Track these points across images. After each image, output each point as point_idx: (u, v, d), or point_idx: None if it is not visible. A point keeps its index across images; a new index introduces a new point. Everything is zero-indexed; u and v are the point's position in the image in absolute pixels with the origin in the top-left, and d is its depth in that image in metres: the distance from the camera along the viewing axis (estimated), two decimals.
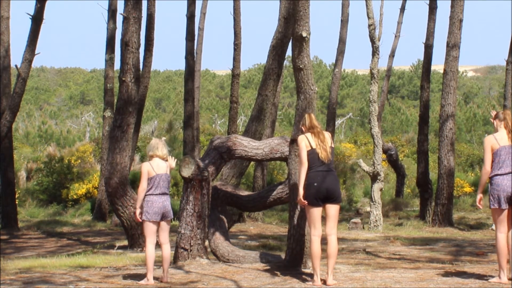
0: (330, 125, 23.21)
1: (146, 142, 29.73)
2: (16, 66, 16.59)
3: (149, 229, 8.29)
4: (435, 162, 22.18)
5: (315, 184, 7.97)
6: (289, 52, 11.12)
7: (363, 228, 16.61)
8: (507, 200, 7.76)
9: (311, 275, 8.36)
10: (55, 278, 8.37)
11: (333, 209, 8.07)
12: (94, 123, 49.25)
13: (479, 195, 7.98)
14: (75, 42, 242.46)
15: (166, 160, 8.47)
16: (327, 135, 8.24)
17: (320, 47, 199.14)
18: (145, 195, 8.30)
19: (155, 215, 8.25)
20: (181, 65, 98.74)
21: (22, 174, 26.61)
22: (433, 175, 21.62)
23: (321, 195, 8.01)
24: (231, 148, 9.80)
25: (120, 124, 12.54)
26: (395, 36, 25.83)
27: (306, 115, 8.36)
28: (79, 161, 26.89)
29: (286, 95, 62.51)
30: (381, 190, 16.67)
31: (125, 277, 8.60)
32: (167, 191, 8.40)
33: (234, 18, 19.90)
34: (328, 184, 8.00)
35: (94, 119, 51.47)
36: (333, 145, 8.24)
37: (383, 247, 12.60)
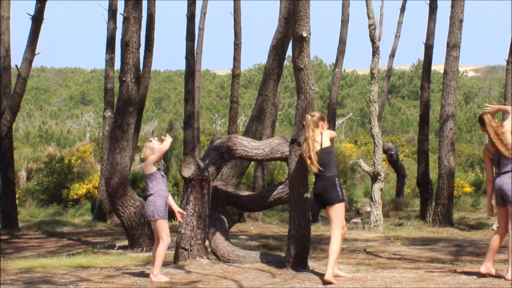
0: (330, 125, 23.23)
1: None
2: (16, 66, 16.59)
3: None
4: (435, 162, 22.18)
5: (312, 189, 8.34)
6: (289, 52, 11.11)
7: (364, 228, 16.61)
8: (501, 198, 7.89)
9: (312, 275, 8.37)
10: (55, 278, 8.37)
11: (329, 212, 8.24)
12: (94, 123, 49.27)
13: (490, 204, 8.23)
14: (75, 42, 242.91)
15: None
16: (319, 137, 8.28)
17: (320, 47, 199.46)
18: None
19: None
20: (181, 65, 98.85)
21: (23, 174, 26.63)
22: (433, 175, 21.62)
23: (316, 199, 8.31)
24: (231, 148, 9.80)
25: (120, 124, 12.54)
26: (396, 36, 25.83)
27: (306, 125, 8.35)
28: (80, 161, 26.90)
29: (287, 95, 62.52)
30: (381, 190, 16.67)
31: (126, 277, 8.59)
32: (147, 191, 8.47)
33: (234, 18, 19.91)
34: (316, 190, 8.27)
35: (94, 119, 51.49)
36: (326, 144, 8.23)
37: (384, 247, 12.60)
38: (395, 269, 9.08)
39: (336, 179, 8.21)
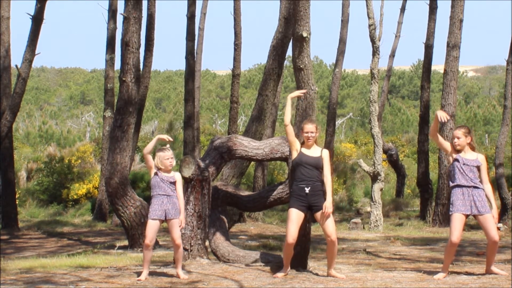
0: (330, 125, 23.21)
1: (146, 142, 29.75)
2: (16, 66, 16.59)
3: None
4: (435, 162, 22.19)
5: None
6: (289, 52, 11.12)
7: (364, 228, 16.62)
8: None
9: (312, 275, 8.38)
10: (56, 278, 8.37)
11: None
12: (94, 123, 49.29)
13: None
14: (75, 42, 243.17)
15: None
16: None
17: (321, 47, 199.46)
18: None
19: None
20: (181, 65, 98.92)
21: (23, 174, 26.63)
22: (433, 175, 21.62)
23: None
24: (231, 148, 9.79)
25: (120, 124, 12.53)
26: (396, 36, 25.85)
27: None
28: (80, 161, 26.90)
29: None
30: (381, 190, 16.68)
31: (126, 277, 8.59)
32: None
33: (234, 18, 19.91)
34: None
35: (94, 119, 51.51)
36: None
37: (384, 247, 12.61)
38: (395, 269, 9.09)
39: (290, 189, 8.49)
